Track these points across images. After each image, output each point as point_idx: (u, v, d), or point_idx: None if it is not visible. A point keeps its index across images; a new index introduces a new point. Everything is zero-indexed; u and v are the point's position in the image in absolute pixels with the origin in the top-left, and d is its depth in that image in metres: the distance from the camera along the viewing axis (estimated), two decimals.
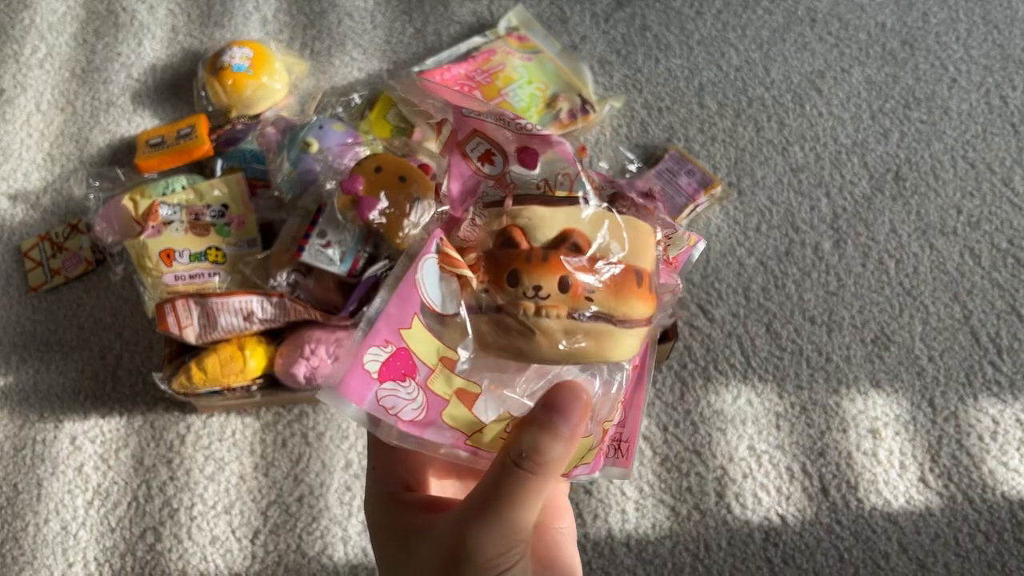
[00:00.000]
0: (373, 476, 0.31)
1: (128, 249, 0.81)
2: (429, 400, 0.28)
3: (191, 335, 0.75)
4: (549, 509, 0.32)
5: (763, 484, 0.79)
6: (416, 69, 1.03)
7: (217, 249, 0.82)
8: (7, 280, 0.93)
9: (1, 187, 0.99)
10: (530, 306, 0.28)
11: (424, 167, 0.78)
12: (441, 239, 0.29)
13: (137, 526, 0.79)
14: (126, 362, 0.87)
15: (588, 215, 0.29)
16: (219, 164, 0.94)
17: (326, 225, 0.76)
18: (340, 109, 0.96)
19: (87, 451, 0.83)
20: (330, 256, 0.76)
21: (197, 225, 0.82)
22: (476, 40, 1.06)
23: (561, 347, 0.28)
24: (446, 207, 0.30)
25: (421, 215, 0.73)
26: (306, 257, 0.76)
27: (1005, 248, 0.91)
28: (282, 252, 0.79)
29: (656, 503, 0.78)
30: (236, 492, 0.80)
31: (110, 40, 1.10)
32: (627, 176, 0.96)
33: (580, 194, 0.29)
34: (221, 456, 0.82)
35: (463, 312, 0.29)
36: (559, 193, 0.30)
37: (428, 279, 0.28)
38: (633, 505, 0.78)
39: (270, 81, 0.99)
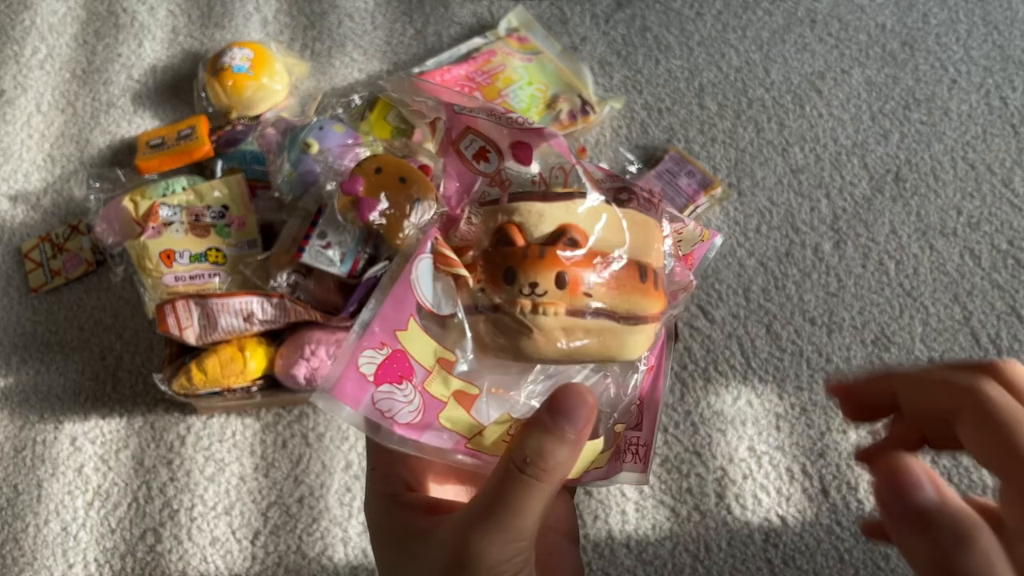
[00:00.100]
0: (373, 477, 0.30)
1: (128, 250, 0.81)
2: (425, 402, 0.28)
3: (191, 336, 0.75)
4: (552, 513, 0.31)
5: (763, 485, 0.79)
6: (416, 70, 1.04)
7: (217, 250, 0.82)
8: (7, 281, 0.93)
9: (1, 188, 0.99)
10: (527, 304, 0.27)
11: (424, 168, 0.78)
12: (436, 239, 0.28)
13: (137, 527, 0.79)
14: (126, 363, 0.87)
15: (585, 209, 0.28)
16: (219, 165, 0.94)
17: (326, 226, 0.76)
18: (340, 110, 0.96)
19: (87, 452, 0.83)
20: (330, 257, 0.76)
21: (197, 226, 0.82)
22: (476, 41, 1.06)
23: (561, 345, 0.27)
24: (445, 208, 0.30)
25: (421, 216, 0.73)
26: (306, 258, 0.76)
27: (1005, 249, 0.91)
28: (282, 253, 0.79)
29: (656, 504, 0.78)
30: (236, 493, 0.80)
31: (110, 41, 1.10)
32: (627, 177, 0.96)
33: (576, 188, 0.28)
34: (221, 457, 0.82)
35: (460, 312, 0.28)
36: (556, 188, 0.29)
37: (423, 279, 0.28)
38: (633, 506, 0.78)
39: (270, 82, 0.99)
